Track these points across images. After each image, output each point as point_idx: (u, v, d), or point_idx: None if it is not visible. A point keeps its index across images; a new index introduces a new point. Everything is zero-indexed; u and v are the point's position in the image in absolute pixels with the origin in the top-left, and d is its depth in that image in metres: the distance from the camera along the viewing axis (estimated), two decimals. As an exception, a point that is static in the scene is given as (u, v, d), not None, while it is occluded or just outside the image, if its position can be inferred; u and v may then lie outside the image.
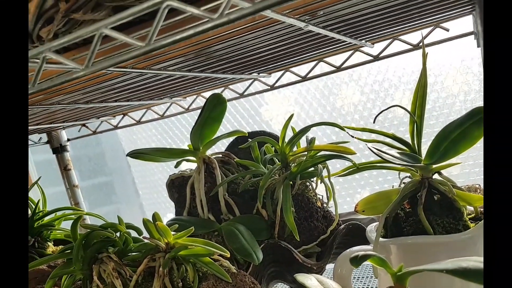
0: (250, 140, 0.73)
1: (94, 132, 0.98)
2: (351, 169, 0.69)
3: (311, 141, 0.65)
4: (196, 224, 0.72)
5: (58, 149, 0.99)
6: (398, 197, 0.54)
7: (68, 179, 1.00)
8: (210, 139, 0.72)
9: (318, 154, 0.67)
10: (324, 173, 0.71)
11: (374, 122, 0.62)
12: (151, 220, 0.52)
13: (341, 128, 0.66)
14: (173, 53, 0.49)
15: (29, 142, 0.99)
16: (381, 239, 0.54)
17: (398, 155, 0.55)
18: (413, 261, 0.52)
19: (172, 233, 0.53)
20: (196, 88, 0.78)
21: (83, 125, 0.98)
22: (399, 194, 0.54)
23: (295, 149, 0.69)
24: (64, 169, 1.00)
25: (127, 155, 0.71)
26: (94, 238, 0.52)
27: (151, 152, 0.71)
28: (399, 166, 0.65)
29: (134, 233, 0.58)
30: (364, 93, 0.83)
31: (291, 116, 0.67)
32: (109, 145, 1.76)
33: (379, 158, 0.69)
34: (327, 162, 0.70)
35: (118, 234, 0.55)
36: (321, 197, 0.74)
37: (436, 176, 0.55)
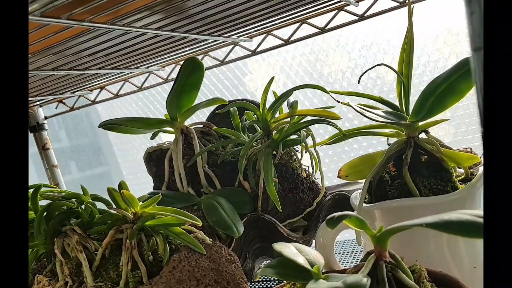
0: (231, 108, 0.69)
1: (72, 108, 0.94)
2: (337, 137, 0.66)
3: (292, 105, 0.61)
4: (174, 198, 0.68)
5: (35, 128, 0.95)
6: (383, 159, 0.50)
7: (47, 158, 0.96)
8: (188, 107, 0.68)
9: (302, 120, 0.63)
10: (310, 142, 0.67)
11: (358, 83, 0.58)
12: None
13: (325, 91, 0.62)
14: (136, 3, 0.45)
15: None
16: (364, 204, 0.50)
17: (382, 114, 0.51)
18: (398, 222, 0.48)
19: (141, 203, 0.49)
20: (172, 54, 0.74)
21: (60, 101, 0.94)
22: (384, 156, 0.51)
23: (277, 115, 0.65)
24: (43, 148, 0.96)
25: (99, 126, 0.67)
26: (56, 210, 0.49)
27: (125, 123, 0.67)
28: (386, 131, 0.61)
29: (103, 206, 0.55)
30: (352, 59, 0.79)
31: (272, 78, 0.63)
32: (104, 134, 1.72)
33: (365, 124, 0.65)
34: (312, 131, 0.67)
35: (83, 206, 0.51)
36: (307, 168, 0.70)
37: (423, 135, 0.51)
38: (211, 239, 0.51)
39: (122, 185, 0.48)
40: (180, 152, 0.66)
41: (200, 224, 0.47)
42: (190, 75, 0.67)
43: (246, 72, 0.89)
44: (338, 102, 0.63)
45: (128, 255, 0.47)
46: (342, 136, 0.64)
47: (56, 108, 0.96)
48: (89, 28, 0.48)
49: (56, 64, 0.63)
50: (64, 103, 0.95)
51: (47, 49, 0.54)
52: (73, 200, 0.49)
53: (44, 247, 0.49)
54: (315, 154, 0.66)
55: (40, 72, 0.62)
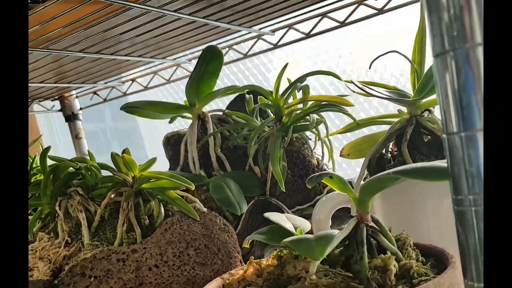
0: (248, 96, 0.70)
1: (105, 100, 0.98)
2: (350, 126, 0.65)
3: (302, 89, 0.61)
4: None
5: (71, 117, 1.00)
6: (383, 137, 0.50)
7: (79, 147, 1.01)
8: (206, 94, 0.69)
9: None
10: (323, 132, 0.67)
11: (369, 68, 0.58)
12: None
13: (338, 77, 0.62)
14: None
15: (42, 109, 1.00)
16: (363, 182, 0.49)
17: (384, 91, 0.50)
18: (396, 203, 0.47)
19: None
20: (198, 46, 0.76)
21: (94, 93, 0.98)
22: (385, 134, 0.50)
23: (290, 101, 0.65)
24: (76, 137, 1.00)
25: (121, 108, 0.70)
26: (62, 172, 0.51)
27: (145, 106, 0.70)
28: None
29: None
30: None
31: (286, 65, 0.64)
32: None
33: (380, 114, 0.65)
34: (326, 120, 0.66)
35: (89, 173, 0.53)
36: (319, 157, 0.70)
37: (426, 115, 0.50)
38: (208, 210, 0.51)
39: (125, 151, 0.50)
40: (194, 135, 0.68)
41: (193, 188, 0.48)
42: (210, 63, 0.69)
43: (271, 68, 0.90)
44: (354, 92, 0.62)
45: (124, 217, 0.48)
46: (356, 125, 0.64)
47: (91, 99, 1.00)
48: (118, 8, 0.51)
49: (84, 46, 0.66)
50: (98, 95, 0.99)
51: (77, 31, 0.57)
52: (79, 163, 0.51)
53: (49, 207, 0.52)
54: (327, 143, 0.66)
55: (70, 52, 0.65)
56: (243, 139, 0.69)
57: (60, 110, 1.01)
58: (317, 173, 0.38)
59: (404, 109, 0.55)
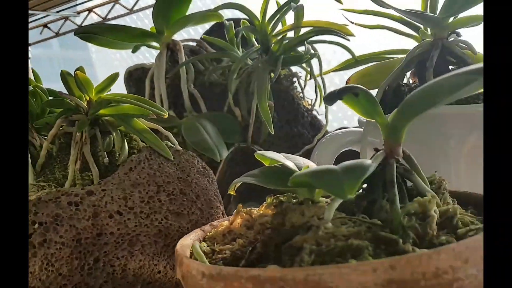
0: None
1: (57, 34, 0.85)
2: (348, 63, 0.57)
3: (296, 12, 0.51)
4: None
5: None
6: (402, 64, 0.41)
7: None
8: (177, 19, 0.58)
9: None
10: (315, 71, 0.58)
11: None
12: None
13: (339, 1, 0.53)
14: None
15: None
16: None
17: (403, 9, 0.41)
18: (421, 137, 0.39)
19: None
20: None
21: (45, 26, 0.85)
22: (403, 60, 0.41)
23: (280, 28, 0.55)
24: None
25: (75, 34, 0.58)
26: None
27: (104, 31, 0.58)
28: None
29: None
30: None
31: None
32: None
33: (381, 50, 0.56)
34: (320, 55, 0.57)
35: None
36: (310, 101, 0.61)
37: (452, 39, 0.41)
38: (184, 149, 0.42)
39: (79, 69, 0.39)
40: (163, 67, 0.57)
41: (166, 115, 0.38)
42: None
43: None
44: (352, 23, 0.54)
45: (77, 152, 0.38)
46: (354, 61, 0.56)
47: (40, 33, 0.87)
48: None
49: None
50: (49, 28, 0.86)
51: None
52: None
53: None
54: (320, 83, 0.57)
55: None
56: (220, 75, 0.59)
57: None
58: (340, 87, 0.28)
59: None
